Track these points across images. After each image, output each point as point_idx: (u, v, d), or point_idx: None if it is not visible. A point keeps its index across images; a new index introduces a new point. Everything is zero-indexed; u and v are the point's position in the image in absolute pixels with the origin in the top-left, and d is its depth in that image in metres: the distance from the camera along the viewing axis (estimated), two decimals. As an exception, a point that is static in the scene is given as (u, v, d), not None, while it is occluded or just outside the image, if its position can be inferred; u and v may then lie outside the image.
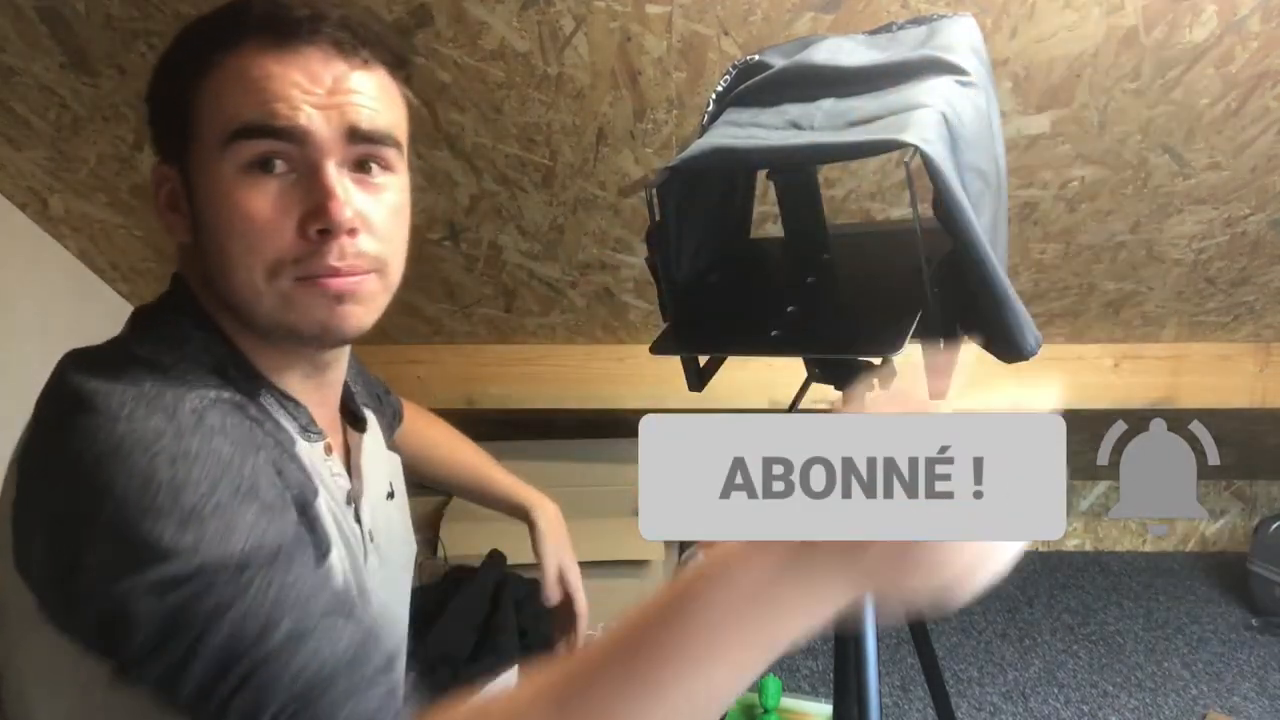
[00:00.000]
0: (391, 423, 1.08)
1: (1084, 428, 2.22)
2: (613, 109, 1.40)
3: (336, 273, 0.66)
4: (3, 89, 1.39)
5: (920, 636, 1.11)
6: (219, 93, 0.65)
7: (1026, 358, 0.86)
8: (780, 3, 1.22)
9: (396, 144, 0.70)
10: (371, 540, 0.82)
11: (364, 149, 0.68)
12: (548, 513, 1.15)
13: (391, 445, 0.96)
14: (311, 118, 0.64)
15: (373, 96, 0.68)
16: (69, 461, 0.61)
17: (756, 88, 0.88)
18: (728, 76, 0.92)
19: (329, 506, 0.72)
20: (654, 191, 0.85)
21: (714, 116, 0.90)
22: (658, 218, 0.88)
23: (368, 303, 0.69)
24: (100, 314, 1.90)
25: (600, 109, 1.40)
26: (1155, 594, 2.40)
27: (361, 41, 0.67)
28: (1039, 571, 2.54)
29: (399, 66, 0.72)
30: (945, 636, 2.17)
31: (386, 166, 0.70)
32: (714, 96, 0.91)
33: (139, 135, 1.49)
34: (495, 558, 1.79)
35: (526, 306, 1.92)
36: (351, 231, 0.66)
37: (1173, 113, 1.37)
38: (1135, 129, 1.41)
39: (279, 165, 0.65)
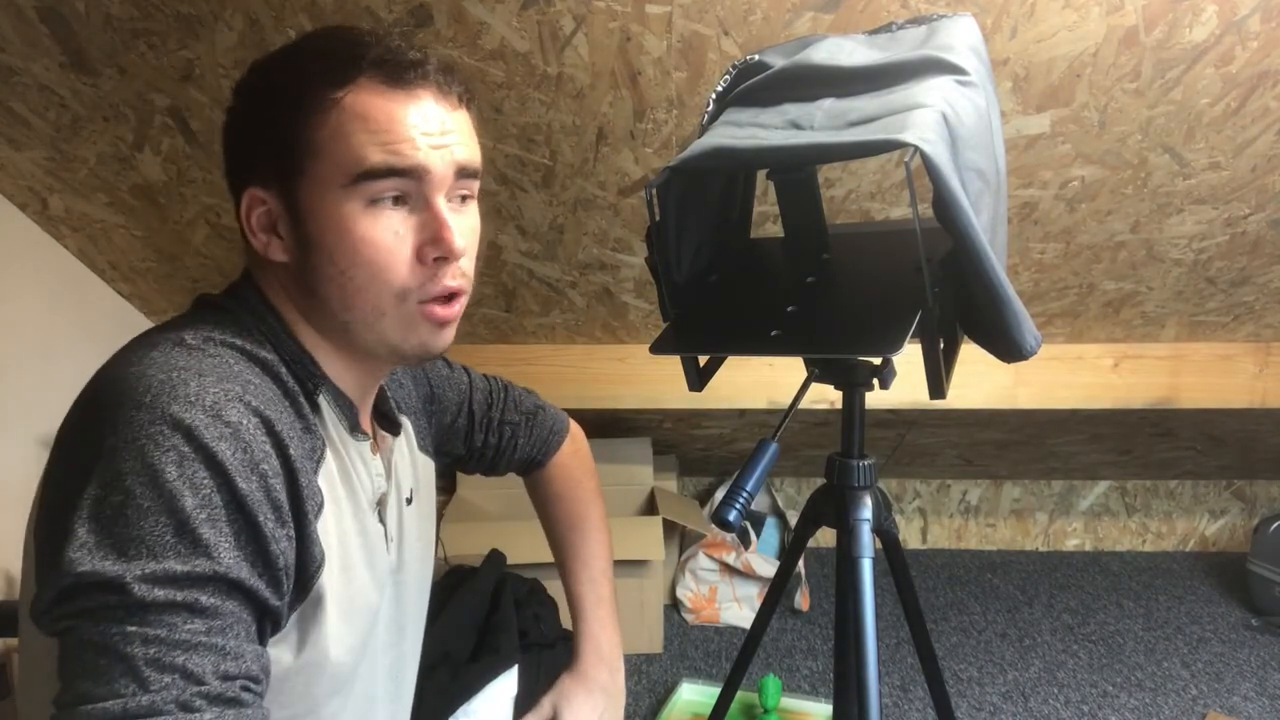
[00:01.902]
0: (461, 438, 1.06)
1: (1084, 428, 2.23)
2: (613, 109, 1.40)
3: (450, 292, 0.74)
4: (3, 89, 1.39)
5: (920, 636, 1.11)
6: (341, 131, 0.69)
7: (1026, 357, 0.87)
8: (780, 3, 1.22)
9: (481, 177, 0.77)
10: (389, 541, 0.85)
11: (465, 184, 0.75)
12: (587, 679, 1.07)
13: (426, 449, 0.97)
14: (429, 156, 0.70)
15: (467, 134, 0.75)
16: (62, 450, 0.65)
17: (756, 87, 0.88)
18: (728, 76, 0.92)
19: (338, 518, 0.75)
20: (654, 191, 0.85)
21: (714, 116, 0.90)
22: (657, 218, 0.88)
23: (456, 323, 0.78)
24: (100, 314, 1.90)
25: (600, 109, 1.40)
26: (1155, 594, 2.39)
27: (454, 84, 0.74)
28: (1039, 571, 2.54)
29: (471, 105, 0.78)
30: (945, 636, 2.17)
31: (473, 197, 0.77)
32: (714, 96, 0.91)
33: (139, 135, 1.49)
34: (495, 558, 1.79)
35: (526, 306, 1.92)
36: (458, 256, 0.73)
37: (1173, 113, 1.37)
38: (1135, 129, 1.41)
39: (400, 200, 0.71)
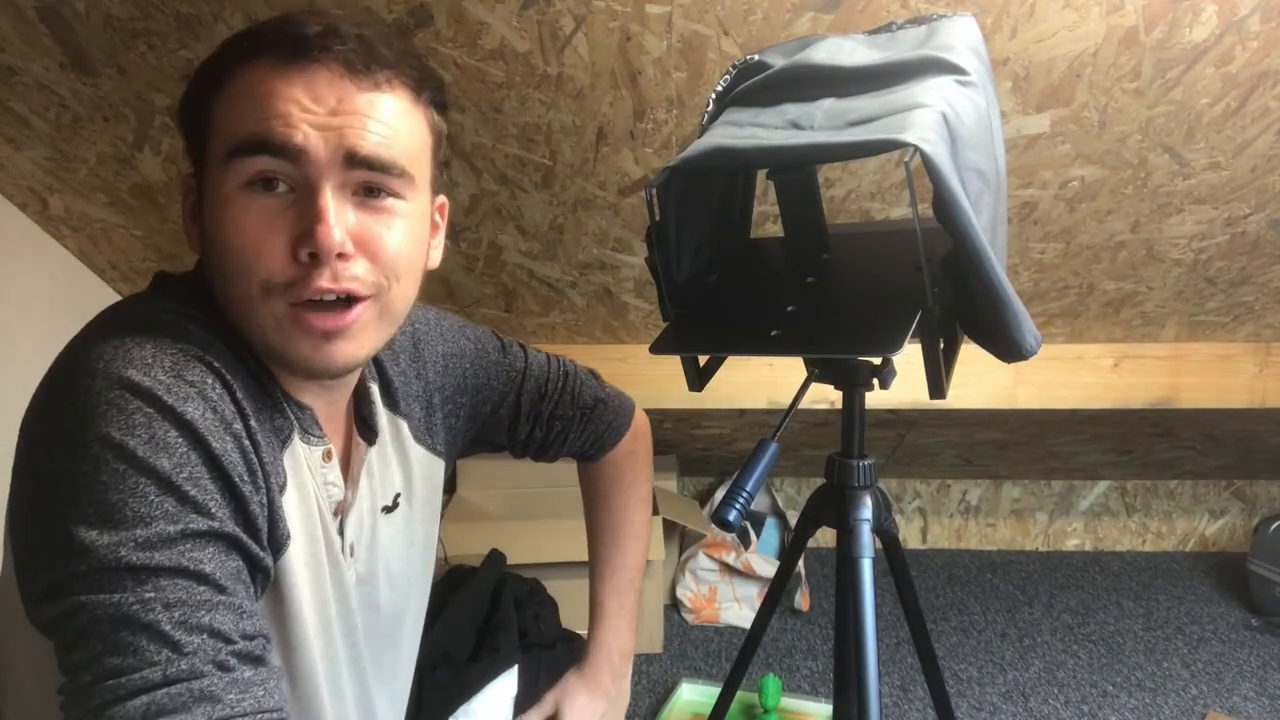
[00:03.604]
0: (551, 445, 1.04)
1: (1084, 428, 2.23)
2: (613, 109, 1.40)
3: (324, 294, 0.64)
4: (3, 89, 1.39)
5: (920, 636, 1.11)
6: (228, 107, 0.65)
7: (1026, 357, 0.87)
8: (780, 3, 1.22)
9: (404, 173, 0.67)
10: (351, 554, 0.79)
11: (364, 175, 0.65)
12: (592, 681, 1.07)
13: (431, 445, 0.91)
14: (309, 136, 0.63)
15: (382, 121, 0.65)
16: (24, 436, 0.61)
17: (756, 87, 0.88)
18: (727, 76, 0.92)
19: (301, 505, 0.71)
20: (654, 191, 0.85)
21: (714, 116, 0.90)
22: (657, 218, 0.88)
23: (359, 336, 0.67)
24: (100, 314, 1.90)
25: (600, 109, 1.40)
26: (1155, 594, 2.39)
27: (377, 63, 0.65)
28: (1039, 571, 2.54)
29: (422, 91, 0.70)
30: (945, 636, 2.17)
31: (394, 194, 0.68)
32: (714, 96, 0.91)
33: (139, 135, 1.49)
34: (495, 557, 1.79)
35: (526, 306, 1.92)
36: (343, 255, 0.64)
37: (1173, 113, 1.37)
38: (1135, 129, 1.41)
39: (280, 185, 0.64)
